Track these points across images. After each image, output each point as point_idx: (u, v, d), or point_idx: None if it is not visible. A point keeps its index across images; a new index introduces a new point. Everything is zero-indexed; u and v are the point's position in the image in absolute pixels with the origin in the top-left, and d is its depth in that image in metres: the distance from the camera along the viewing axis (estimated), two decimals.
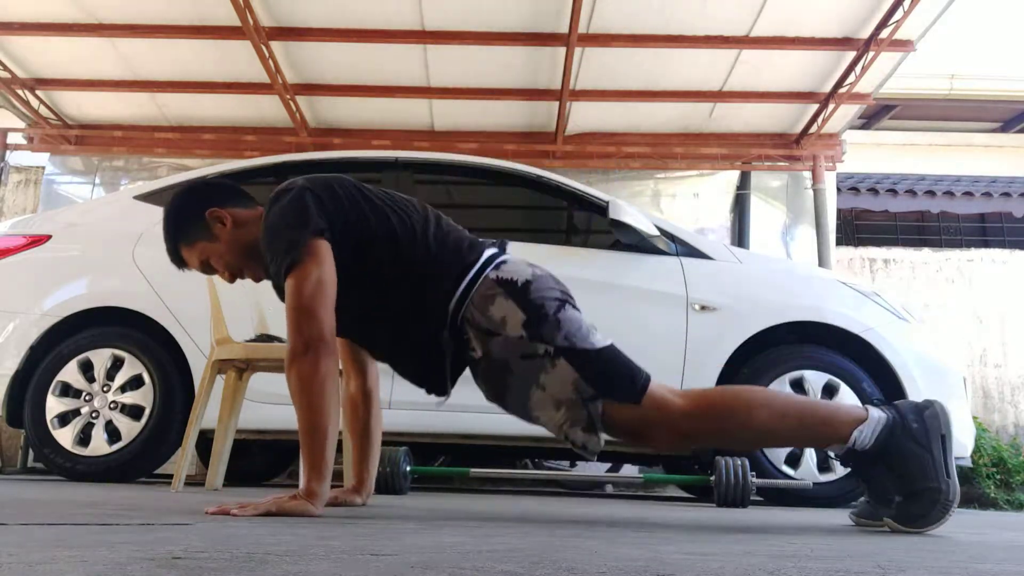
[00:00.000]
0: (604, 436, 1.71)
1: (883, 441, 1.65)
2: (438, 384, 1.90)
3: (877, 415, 1.67)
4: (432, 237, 1.83)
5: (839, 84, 5.65)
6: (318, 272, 1.71)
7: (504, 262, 1.83)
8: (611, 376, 1.71)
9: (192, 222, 1.91)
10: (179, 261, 1.96)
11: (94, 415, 3.42)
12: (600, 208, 3.63)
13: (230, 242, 1.90)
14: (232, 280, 1.97)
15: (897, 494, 1.67)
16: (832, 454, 1.73)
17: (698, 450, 3.42)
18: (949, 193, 8.14)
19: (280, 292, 1.78)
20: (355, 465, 2.14)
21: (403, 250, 1.80)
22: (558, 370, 1.69)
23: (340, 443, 3.05)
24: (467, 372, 1.89)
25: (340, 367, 2.24)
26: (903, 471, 1.64)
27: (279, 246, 1.74)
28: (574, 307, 1.80)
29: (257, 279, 1.97)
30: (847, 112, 6.09)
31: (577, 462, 5.15)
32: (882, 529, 1.76)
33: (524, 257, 1.89)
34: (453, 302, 1.78)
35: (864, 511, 1.84)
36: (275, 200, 1.80)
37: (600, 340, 1.75)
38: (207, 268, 1.96)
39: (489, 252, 1.85)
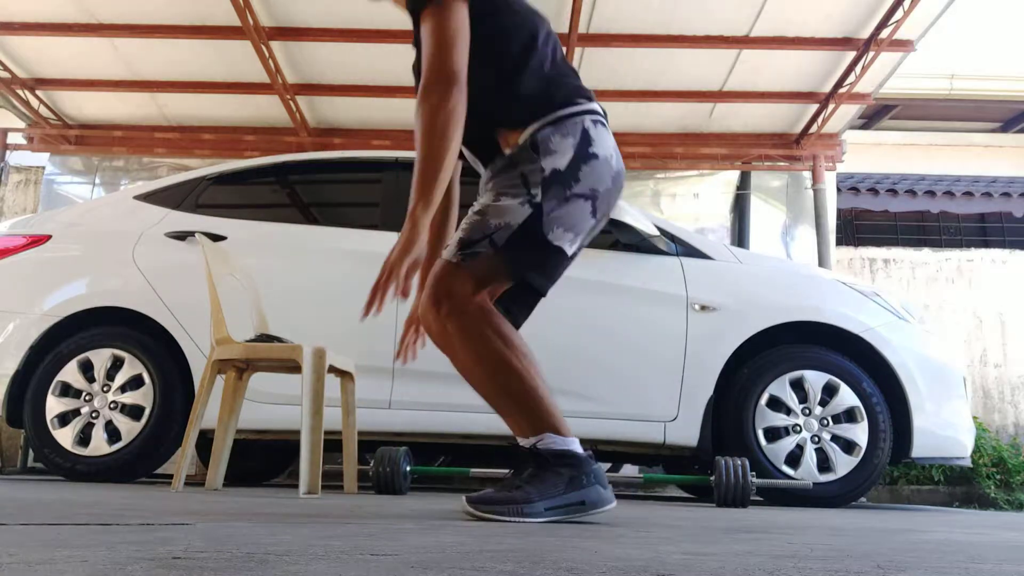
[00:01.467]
0: (464, 260, 1.72)
1: (557, 452, 1.68)
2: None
3: (576, 444, 1.71)
4: (557, 58, 1.87)
5: (839, 84, 5.65)
6: (461, 16, 1.73)
7: (603, 124, 1.87)
8: (527, 260, 1.76)
9: None
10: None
11: (94, 415, 3.42)
12: None
13: None
14: None
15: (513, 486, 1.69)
16: (521, 442, 1.74)
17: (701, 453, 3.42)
18: (949, 193, 8.14)
19: (413, 15, 1.77)
20: (423, 269, 2.01)
21: (534, 56, 1.82)
22: (520, 211, 1.73)
23: (340, 443, 3.06)
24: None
25: (335, 367, 2.21)
26: (533, 481, 1.67)
27: None
28: (594, 210, 1.80)
29: None
30: (847, 112, 6.10)
31: None
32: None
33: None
34: (545, 116, 1.79)
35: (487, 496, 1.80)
36: None
37: (561, 243, 1.76)
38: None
39: (595, 105, 1.88)
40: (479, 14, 1.77)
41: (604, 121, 1.89)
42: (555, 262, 1.79)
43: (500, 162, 1.83)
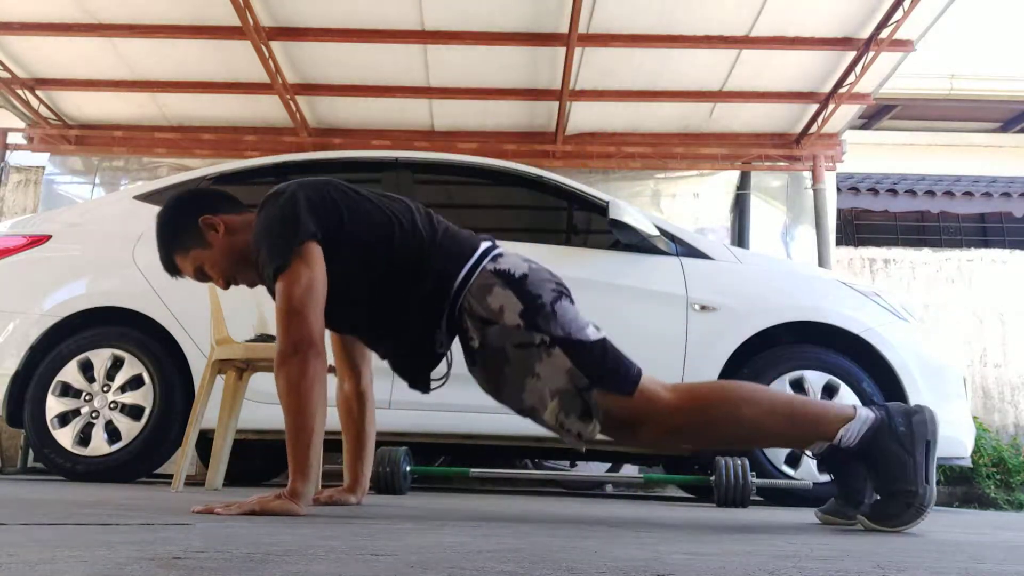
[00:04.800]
0: (598, 425, 1.71)
1: (868, 440, 1.67)
2: (422, 381, 1.94)
3: (865, 414, 1.69)
4: (426, 233, 1.85)
5: (839, 84, 5.65)
6: (308, 275, 1.72)
7: (500, 254, 1.87)
8: (605, 366, 1.73)
9: (185, 230, 1.92)
10: (173, 269, 1.97)
11: (94, 415, 3.42)
12: (600, 208, 3.63)
13: (223, 248, 1.91)
14: (226, 287, 1.97)
15: (875, 493, 1.70)
16: (809, 453, 1.74)
17: (693, 449, 3.42)
18: (949, 193, 8.14)
19: (273, 294, 1.78)
20: (350, 465, 2.16)
21: (399, 247, 1.82)
22: (553, 359, 1.71)
23: (340, 443, 3.05)
24: (465, 372, 1.89)
25: (334, 365, 2.24)
26: (883, 471, 1.66)
27: (270, 249, 1.75)
28: (570, 300, 1.83)
29: (251, 284, 1.97)
30: (847, 112, 6.09)
31: (577, 462, 5.15)
32: (855, 528, 1.77)
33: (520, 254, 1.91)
34: (452, 293, 1.80)
35: (832, 509, 1.87)
36: (266, 203, 1.82)
37: (594, 333, 1.77)
38: (201, 276, 1.96)
39: (485, 245, 1.88)
40: (349, 245, 1.78)
41: (496, 248, 1.90)
42: (602, 346, 1.77)
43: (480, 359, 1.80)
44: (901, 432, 1.66)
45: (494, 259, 1.83)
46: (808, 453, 1.76)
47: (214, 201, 1.96)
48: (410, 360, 1.94)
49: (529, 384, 1.73)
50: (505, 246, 1.97)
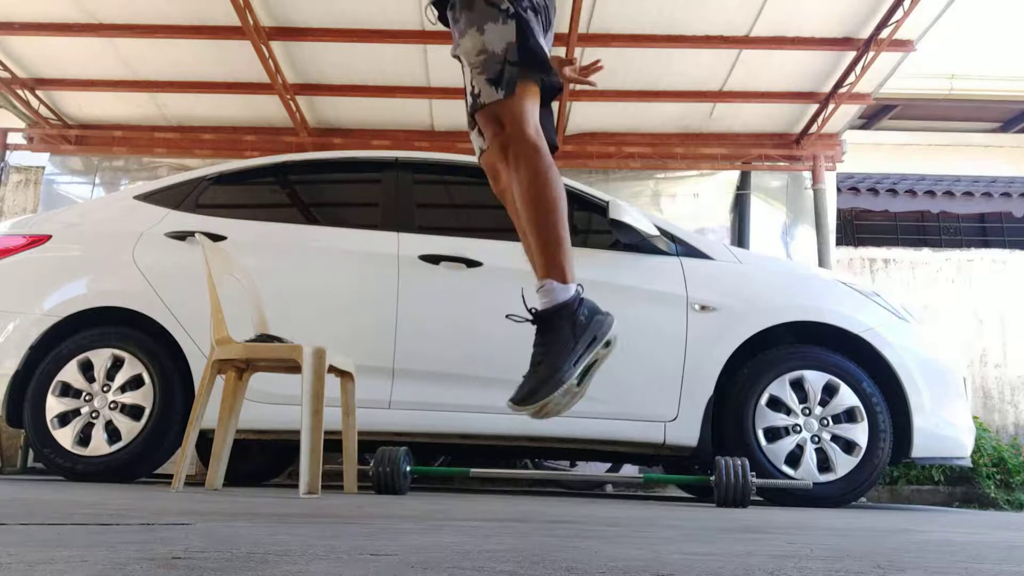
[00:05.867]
0: (497, 96, 1.82)
1: (552, 310, 1.75)
2: None
3: (572, 290, 1.78)
4: None
5: (839, 84, 5.65)
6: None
7: None
8: (536, 59, 1.84)
9: None
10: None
11: (94, 415, 3.42)
12: (600, 208, 3.63)
13: None
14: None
15: (531, 361, 1.76)
16: (530, 308, 1.80)
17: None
18: (949, 193, 8.14)
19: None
20: None
21: None
22: (504, 27, 1.83)
23: (340, 443, 3.06)
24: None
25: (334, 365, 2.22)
26: (549, 342, 1.74)
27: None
28: (547, 13, 1.94)
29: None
30: (847, 112, 6.10)
31: (577, 462, 5.15)
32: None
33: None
34: None
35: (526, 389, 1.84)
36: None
37: (541, 45, 1.87)
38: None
39: None
40: None
41: None
42: (542, 50, 1.88)
43: (456, 2, 1.93)
44: (580, 320, 1.76)
45: None
46: (529, 308, 1.80)
47: None
48: None
49: (472, 33, 1.86)
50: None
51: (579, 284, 1.81)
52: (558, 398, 1.70)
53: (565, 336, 1.73)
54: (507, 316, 1.81)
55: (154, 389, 3.43)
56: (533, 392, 1.70)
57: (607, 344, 1.78)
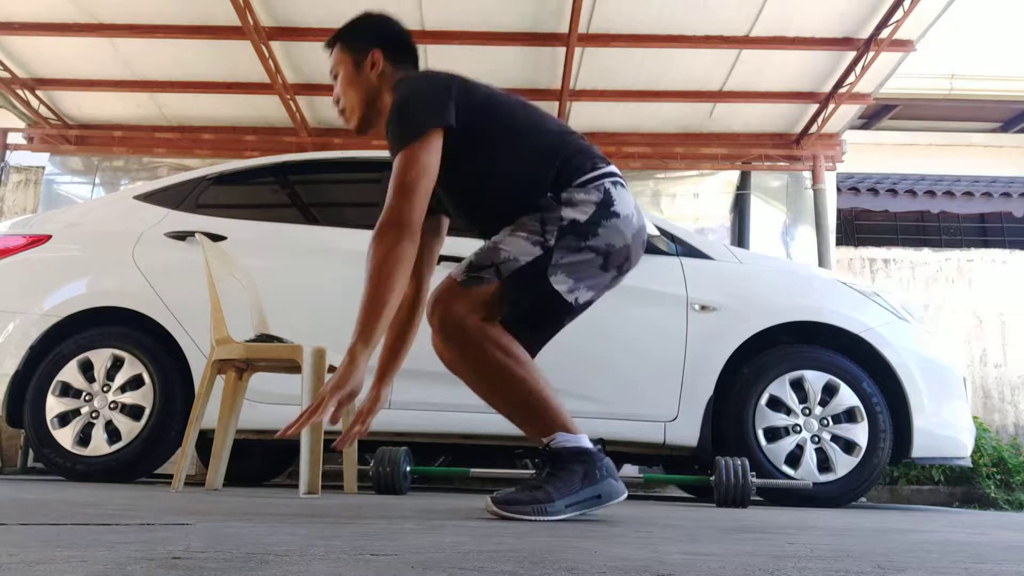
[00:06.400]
0: (469, 275, 1.78)
1: (572, 450, 1.76)
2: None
3: (585, 440, 1.78)
4: (564, 128, 1.98)
5: (839, 84, 5.65)
6: (427, 160, 1.78)
7: (622, 185, 1.93)
8: (521, 294, 1.79)
9: (360, 40, 2.06)
10: (330, 45, 2.13)
11: (94, 415, 3.42)
12: None
13: (363, 82, 2.01)
14: (345, 116, 2.05)
15: (530, 484, 1.77)
16: (545, 443, 1.82)
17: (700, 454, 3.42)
18: (949, 193, 8.14)
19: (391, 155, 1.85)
20: (383, 362, 2.16)
21: (529, 137, 1.91)
22: (528, 248, 1.78)
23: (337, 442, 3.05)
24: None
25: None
26: (555, 478, 1.75)
27: (405, 119, 1.81)
28: (605, 264, 1.87)
29: (358, 130, 2.05)
30: (847, 112, 6.10)
31: None
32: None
33: None
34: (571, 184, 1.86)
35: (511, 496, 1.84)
36: (422, 77, 1.92)
37: (559, 284, 1.80)
38: (334, 80, 2.08)
39: (615, 169, 1.96)
40: (477, 140, 1.85)
41: (623, 182, 1.95)
42: (554, 307, 1.83)
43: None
44: (595, 475, 1.75)
45: (614, 184, 1.90)
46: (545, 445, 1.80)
47: (398, 49, 2.05)
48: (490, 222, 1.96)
49: (508, 236, 1.81)
50: None
51: (600, 443, 1.80)
52: (529, 518, 1.69)
53: (575, 479, 1.73)
54: (517, 457, 1.84)
55: (154, 389, 3.42)
56: (517, 504, 1.71)
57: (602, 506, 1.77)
